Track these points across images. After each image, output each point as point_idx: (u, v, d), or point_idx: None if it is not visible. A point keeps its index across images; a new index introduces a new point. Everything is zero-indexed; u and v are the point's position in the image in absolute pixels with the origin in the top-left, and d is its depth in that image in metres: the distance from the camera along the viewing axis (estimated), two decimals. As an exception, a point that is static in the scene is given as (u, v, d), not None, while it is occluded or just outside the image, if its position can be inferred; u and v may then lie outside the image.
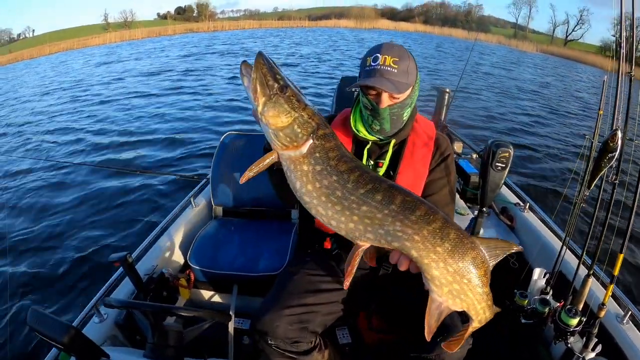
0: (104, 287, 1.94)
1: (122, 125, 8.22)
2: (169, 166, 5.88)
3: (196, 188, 2.89)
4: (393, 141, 1.49)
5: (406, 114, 1.45)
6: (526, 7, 72.53)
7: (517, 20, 74.56)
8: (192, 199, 2.69)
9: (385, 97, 1.36)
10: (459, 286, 0.96)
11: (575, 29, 65.44)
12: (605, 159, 1.56)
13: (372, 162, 1.53)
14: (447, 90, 3.82)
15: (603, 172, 1.59)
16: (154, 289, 2.01)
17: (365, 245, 1.04)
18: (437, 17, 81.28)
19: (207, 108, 9.32)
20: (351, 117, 1.52)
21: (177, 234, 2.45)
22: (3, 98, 13.43)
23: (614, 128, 1.57)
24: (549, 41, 63.55)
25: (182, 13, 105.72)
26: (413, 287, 1.31)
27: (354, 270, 1.06)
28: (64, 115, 9.55)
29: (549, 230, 2.52)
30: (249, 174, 1.10)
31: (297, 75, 13.29)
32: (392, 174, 1.49)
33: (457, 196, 3.02)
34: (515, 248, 0.98)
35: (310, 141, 1.06)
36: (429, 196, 1.49)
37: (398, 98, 1.37)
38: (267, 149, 1.15)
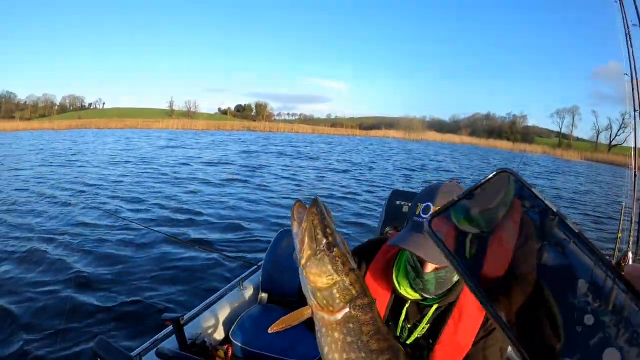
0: (150, 340, 2.17)
1: (186, 204, 9.16)
2: (223, 244, 6.44)
3: (247, 272, 3.15)
4: (435, 306, 1.30)
5: (456, 276, 1.25)
6: (569, 115, 74.22)
7: (560, 129, 75.15)
8: (241, 282, 2.94)
9: (429, 264, 1.20)
10: None
11: (618, 133, 65.28)
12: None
13: (409, 325, 1.35)
14: None
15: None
16: (195, 352, 2.17)
17: None
18: (482, 129, 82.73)
19: (264, 201, 10.03)
20: (394, 267, 1.34)
21: (223, 310, 2.67)
22: (80, 157, 16.18)
23: (625, 249, 1.74)
24: (594, 148, 63.48)
25: (241, 110, 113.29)
26: None
27: None
28: (136, 186, 11.09)
29: None
30: (277, 327, 1.08)
31: (347, 181, 13.90)
32: (430, 342, 1.32)
33: None
34: None
35: (347, 309, 1.02)
36: None
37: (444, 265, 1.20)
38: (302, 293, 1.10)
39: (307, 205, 1.05)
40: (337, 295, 1.00)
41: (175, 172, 13.51)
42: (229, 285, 2.94)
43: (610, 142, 67.06)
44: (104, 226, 6.91)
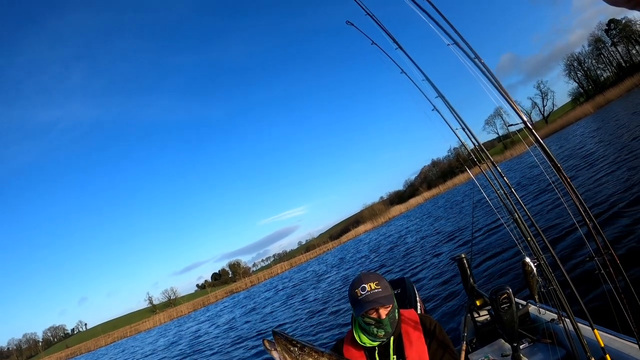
0: None
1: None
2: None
3: None
4: (392, 338, 1.91)
5: (397, 314, 1.94)
6: (497, 118, 79.28)
7: (498, 133, 79.20)
8: None
9: (383, 311, 1.83)
10: None
11: (545, 104, 71.83)
12: (530, 278, 2.32)
13: None
14: (463, 255, 3.95)
15: (534, 284, 2.35)
16: None
17: None
18: (436, 177, 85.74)
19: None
20: (355, 335, 1.95)
21: None
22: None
23: (522, 261, 2.42)
24: (534, 129, 67.69)
25: (218, 278, 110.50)
26: None
27: None
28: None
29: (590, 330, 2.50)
30: None
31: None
32: None
33: (502, 340, 3.31)
34: None
35: None
36: None
37: (389, 306, 1.86)
38: None
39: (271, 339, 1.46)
40: None
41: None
42: None
43: (543, 115, 72.23)
44: None
